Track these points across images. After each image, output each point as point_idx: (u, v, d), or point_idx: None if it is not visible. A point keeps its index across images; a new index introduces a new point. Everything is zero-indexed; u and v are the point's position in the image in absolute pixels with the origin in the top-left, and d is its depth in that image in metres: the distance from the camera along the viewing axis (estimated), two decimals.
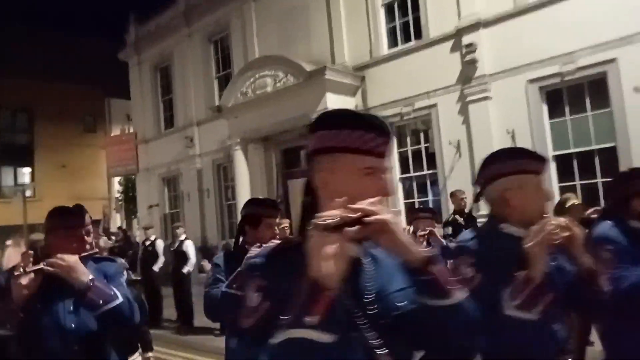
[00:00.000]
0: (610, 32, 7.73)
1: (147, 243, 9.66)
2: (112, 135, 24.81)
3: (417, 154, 10.50)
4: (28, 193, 21.28)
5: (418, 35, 10.41)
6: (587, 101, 8.40)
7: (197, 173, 14.96)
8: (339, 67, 10.89)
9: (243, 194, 12.42)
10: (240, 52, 13.70)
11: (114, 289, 2.18)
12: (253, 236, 2.76)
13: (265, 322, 1.06)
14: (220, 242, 13.40)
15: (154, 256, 9.40)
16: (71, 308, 2.17)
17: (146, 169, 17.01)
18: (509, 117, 8.88)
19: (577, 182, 8.43)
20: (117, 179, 24.64)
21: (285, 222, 8.45)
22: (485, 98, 9.21)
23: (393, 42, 10.91)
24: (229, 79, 13.60)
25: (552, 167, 8.55)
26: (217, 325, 7.01)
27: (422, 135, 10.43)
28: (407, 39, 10.70)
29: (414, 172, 10.50)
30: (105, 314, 2.11)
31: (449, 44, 9.72)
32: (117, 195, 25.31)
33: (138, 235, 14.86)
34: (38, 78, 25.69)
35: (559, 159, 8.62)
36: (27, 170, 22.99)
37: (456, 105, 9.63)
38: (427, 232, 4.24)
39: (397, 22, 10.89)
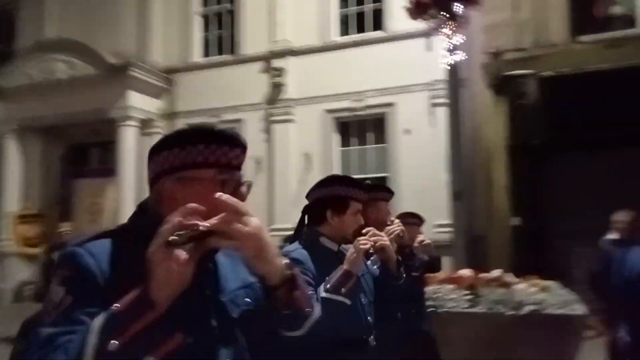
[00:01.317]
0: (392, 79, 9.12)
1: None
2: None
3: None
4: None
5: (232, 50, 10.65)
6: (370, 135, 9.72)
7: None
8: (146, 66, 10.36)
9: (11, 190, 10.75)
10: (29, 29, 11.89)
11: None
12: (336, 225, 2.12)
13: None
14: None
15: None
16: (213, 322, 1.10)
17: None
18: (307, 141, 9.68)
19: None
20: None
21: (67, 226, 7.60)
22: (288, 120, 9.86)
23: (207, 52, 10.94)
24: (8, 56, 11.66)
25: None
26: None
27: None
28: (220, 51, 10.84)
29: None
30: (305, 335, 1.16)
31: (259, 64, 10.17)
32: None
33: None
34: None
35: None
36: None
37: (261, 123, 10.08)
38: (426, 242, 3.47)
39: (213, 33, 10.98)
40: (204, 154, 1.08)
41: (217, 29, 10.98)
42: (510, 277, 4.79)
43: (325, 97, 9.63)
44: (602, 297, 4.44)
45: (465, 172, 6.48)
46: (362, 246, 1.99)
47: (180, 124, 10.63)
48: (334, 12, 9.96)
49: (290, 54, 9.97)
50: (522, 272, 5.08)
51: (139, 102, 10.17)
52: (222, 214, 0.97)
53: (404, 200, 8.90)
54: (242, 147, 1.15)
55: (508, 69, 7.37)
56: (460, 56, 6.16)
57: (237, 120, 10.22)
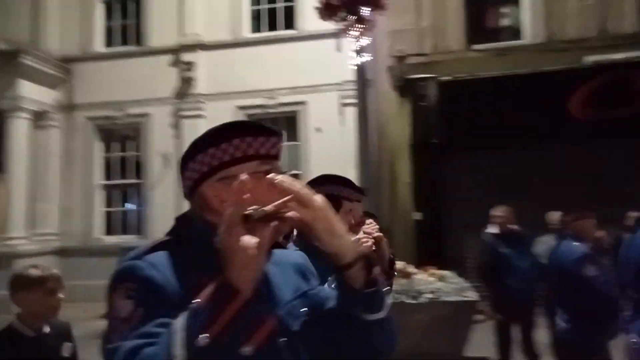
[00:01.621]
0: (304, 78, 9.26)
1: None
2: None
3: (123, 161, 10.12)
4: None
5: (137, 40, 10.19)
6: (283, 133, 9.76)
7: None
8: (40, 54, 9.57)
9: None
10: None
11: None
12: None
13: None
14: None
15: None
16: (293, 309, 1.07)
17: None
18: None
19: None
20: None
21: None
22: (199, 116, 9.65)
23: (110, 41, 10.38)
24: None
25: None
26: None
27: (131, 143, 10.14)
28: (125, 41, 10.34)
29: (119, 179, 10.08)
30: (376, 325, 1.01)
31: (168, 57, 9.83)
32: None
33: None
34: None
35: None
36: None
37: (170, 118, 9.77)
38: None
39: (116, 22, 10.44)
40: (241, 148, 1.04)
41: (122, 17, 10.45)
42: (411, 268, 5.12)
43: (237, 93, 9.54)
44: (490, 285, 4.89)
45: (371, 169, 6.78)
46: (365, 244, 1.95)
47: (80, 116, 10.02)
48: (246, 7, 9.89)
49: (201, 48, 9.75)
50: (423, 263, 5.45)
51: (32, 92, 9.38)
52: (291, 194, 0.92)
53: None
54: (277, 135, 1.11)
55: (411, 73, 7.82)
56: (367, 58, 6.43)
57: (144, 115, 9.83)
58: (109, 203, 10.13)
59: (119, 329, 0.91)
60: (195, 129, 9.64)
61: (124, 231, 9.99)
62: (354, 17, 6.04)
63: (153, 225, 9.43)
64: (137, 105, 9.82)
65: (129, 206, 10.22)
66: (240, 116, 9.63)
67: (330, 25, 6.82)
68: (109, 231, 10.03)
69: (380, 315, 1.00)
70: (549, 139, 7.31)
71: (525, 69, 7.32)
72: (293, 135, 9.64)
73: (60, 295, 2.17)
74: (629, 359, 2.91)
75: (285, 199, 0.91)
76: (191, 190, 1.10)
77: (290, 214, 0.91)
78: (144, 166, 9.80)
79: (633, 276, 2.83)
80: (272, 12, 9.97)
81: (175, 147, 9.65)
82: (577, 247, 3.53)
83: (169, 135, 9.71)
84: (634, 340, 2.68)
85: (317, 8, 6.37)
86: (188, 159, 1.08)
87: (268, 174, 1.00)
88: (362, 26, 6.07)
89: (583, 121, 7.38)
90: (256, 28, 9.98)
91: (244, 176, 0.89)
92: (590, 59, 7.38)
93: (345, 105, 9.01)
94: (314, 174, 9.10)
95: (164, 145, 9.66)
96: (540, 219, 5.20)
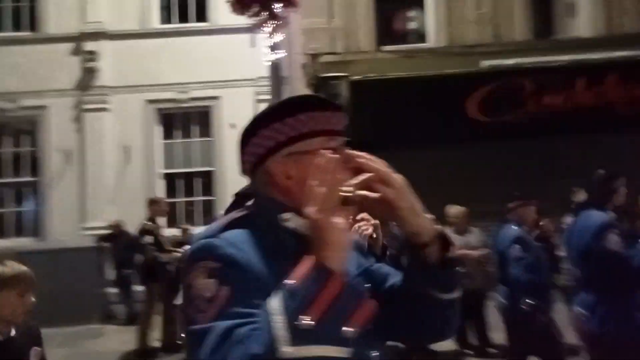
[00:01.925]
0: (217, 73, 9.07)
1: None
2: None
3: (16, 158, 9.32)
4: None
5: (32, 26, 9.39)
6: (195, 128, 9.54)
7: None
8: None
9: None
10: None
11: None
12: None
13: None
14: None
15: None
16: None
17: None
18: (125, 132, 9.08)
19: (180, 199, 9.38)
20: None
21: None
22: (103, 109, 9.12)
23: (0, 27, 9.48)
24: None
25: (161, 184, 9.24)
26: None
27: (25, 138, 9.35)
28: (18, 26, 9.48)
29: (12, 177, 9.26)
30: (449, 305, 1.01)
31: (69, 45, 9.17)
32: None
33: None
34: None
35: (167, 176, 9.37)
36: None
37: (70, 111, 9.14)
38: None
39: (6, 4, 9.55)
40: (308, 124, 1.00)
41: (12, 1, 9.56)
42: None
43: (146, 86, 9.13)
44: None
45: None
46: (366, 232, 1.95)
47: None
48: None
49: (105, 37, 9.19)
50: None
51: None
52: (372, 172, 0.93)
53: (230, 195, 8.98)
54: (341, 110, 1.07)
55: (323, 71, 7.98)
56: (281, 55, 6.48)
57: (40, 107, 9.11)
58: (0, 204, 9.28)
59: (205, 309, 0.88)
60: (100, 122, 9.12)
61: (18, 234, 9.20)
62: (266, 13, 6.06)
63: (52, 226, 8.78)
64: (33, 97, 9.05)
65: (25, 206, 9.43)
66: (150, 111, 9.26)
67: (243, 20, 6.77)
68: (1, 234, 9.18)
69: (455, 295, 1.01)
70: (450, 139, 7.81)
71: (429, 71, 7.76)
72: (206, 131, 9.44)
73: (32, 297, 1.96)
74: (574, 330, 3.25)
75: (366, 177, 0.92)
76: (254, 166, 1.05)
77: (374, 194, 0.93)
78: (41, 163, 9.07)
79: (576, 257, 3.14)
80: (182, 3, 9.64)
81: (76, 142, 9.06)
82: (512, 230, 3.89)
83: (69, 130, 9.08)
84: (580, 311, 2.98)
85: (229, 1, 6.30)
86: (250, 134, 1.04)
87: (336, 151, 0.98)
88: (275, 22, 6.10)
89: (479, 122, 7.99)
90: (166, 19, 9.61)
91: (327, 153, 0.89)
92: (486, 63, 7.99)
93: (260, 101, 8.96)
94: (229, 171, 9.15)
95: (63, 141, 9.01)
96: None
